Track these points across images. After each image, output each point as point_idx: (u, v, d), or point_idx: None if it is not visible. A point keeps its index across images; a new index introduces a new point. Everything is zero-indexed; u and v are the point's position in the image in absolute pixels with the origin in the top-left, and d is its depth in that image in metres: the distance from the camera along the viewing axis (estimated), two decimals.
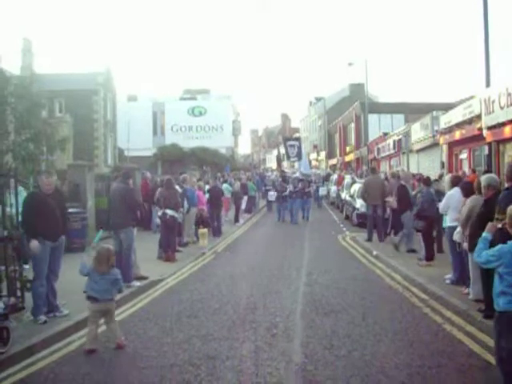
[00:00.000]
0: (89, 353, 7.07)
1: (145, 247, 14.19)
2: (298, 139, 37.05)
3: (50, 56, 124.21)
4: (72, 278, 10.64)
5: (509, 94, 17.23)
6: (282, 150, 37.95)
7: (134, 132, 57.29)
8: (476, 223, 8.34)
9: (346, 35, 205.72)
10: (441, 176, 22.94)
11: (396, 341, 7.39)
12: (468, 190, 9.82)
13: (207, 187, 21.21)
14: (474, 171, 20.75)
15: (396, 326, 8.16)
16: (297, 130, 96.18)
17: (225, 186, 25.13)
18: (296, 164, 37.49)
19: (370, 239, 17.39)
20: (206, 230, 16.94)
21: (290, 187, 25.73)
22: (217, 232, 19.72)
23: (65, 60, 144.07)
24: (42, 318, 8.17)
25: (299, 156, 34.06)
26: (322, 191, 35.56)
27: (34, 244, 8.24)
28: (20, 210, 8.72)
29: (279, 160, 36.70)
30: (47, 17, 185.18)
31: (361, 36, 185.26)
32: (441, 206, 11.38)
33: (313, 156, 77.01)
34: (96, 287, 7.38)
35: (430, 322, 8.39)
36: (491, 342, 7.05)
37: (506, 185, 7.73)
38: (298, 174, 30.37)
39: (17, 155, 23.51)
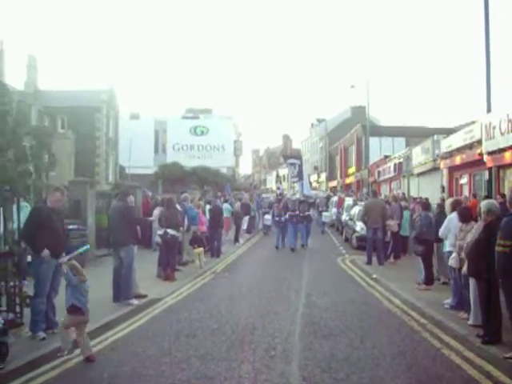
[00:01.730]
0: (92, 359, 7.38)
1: (144, 266, 14.16)
2: (299, 158, 32.21)
3: (54, 72, 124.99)
4: None
5: (509, 120, 17.35)
6: (283, 171, 34.95)
7: (136, 150, 57.55)
8: (475, 248, 8.37)
9: (348, 58, 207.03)
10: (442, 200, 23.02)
11: (394, 365, 7.38)
12: (464, 215, 9.85)
13: (208, 207, 21.14)
14: (474, 196, 20.78)
15: (394, 349, 8.15)
16: (298, 152, 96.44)
17: (225, 205, 25.14)
18: (296, 185, 32.54)
19: (369, 262, 17.38)
20: (201, 249, 16.89)
21: (288, 213, 23.08)
22: (216, 252, 19.66)
23: (69, 77, 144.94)
24: (41, 334, 8.15)
25: (300, 176, 29.67)
26: (326, 217, 32.21)
27: (46, 252, 8.33)
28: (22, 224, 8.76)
29: (278, 182, 32.43)
30: (53, 33, 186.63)
31: (363, 59, 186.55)
32: (441, 230, 11.39)
33: (313, 178, 77.15)
34: (83, 299, 7.61)
35: (429, 346, 8.38)
36: (489, 368, 7.09)
37: (511, 210, 7.71)
38: (298, 196, 27.45)
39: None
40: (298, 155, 32.52)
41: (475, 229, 9.00)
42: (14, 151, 24.31)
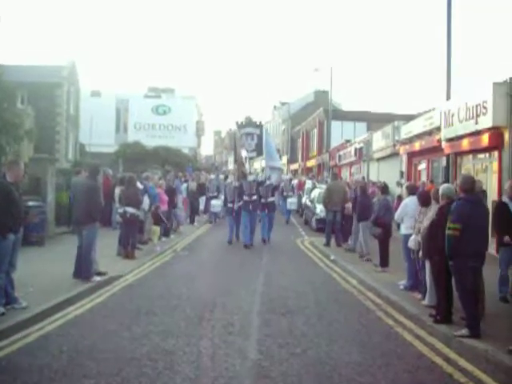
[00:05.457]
0: None
1: (104, 244, 14.11)
2: (258, 126, 23.86)
3: (13, 47, 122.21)
4: (28, 271, 10.71)
5: (468, 108, 17.70)
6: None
7: (97, 128, 56.95)
8: (429, 231, 8.65)
9: (311, 42, 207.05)
10: (399, 184, 23.58)
11: (349, 341, 7.62)
12: (424, 198, 10.12)
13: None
14: (431, 182, 21.27)
15: (350, 327, 8.41)
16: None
17: (184, 186, 24.94)
18: (257, 163, 25.92)
19: (328, 244, 17.64)
20: (157, 227, 16.90)
21: (243, 198, 18.42)
22: (167, 232, 18.96)
23: (29, 52, 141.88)
24: (1, 309, 8.13)
25: (259, 149, 22.37)
26: (292, 204, 27.20)
27: (11, 236, 8.41)
28: None
29: (237, 156, 22.79)
30: (11, 6, 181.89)
31: (327, 44, 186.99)
32: (396, 214, 11.69)
33: None
34: None
35: (383, 324, 8.65)
36: (439, 345, 7.40)
37: (461, 195, 8.01)
38: (256, 177, 21.26)
39: None
40: (256, 123, 24.62)
41: (431, 213, 9.30)
42: None
